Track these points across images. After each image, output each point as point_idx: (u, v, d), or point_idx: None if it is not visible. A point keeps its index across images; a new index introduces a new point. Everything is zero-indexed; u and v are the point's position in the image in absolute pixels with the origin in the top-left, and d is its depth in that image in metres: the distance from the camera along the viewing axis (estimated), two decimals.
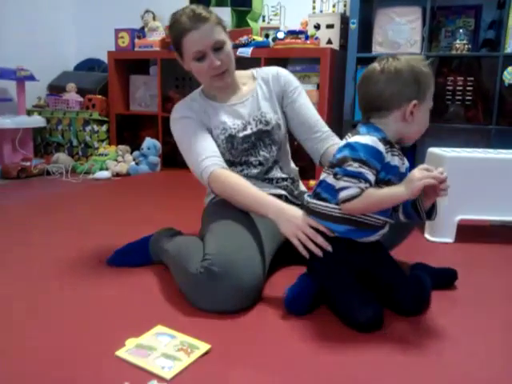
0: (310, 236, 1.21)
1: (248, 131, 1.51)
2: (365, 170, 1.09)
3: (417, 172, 1.10)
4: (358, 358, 1.01)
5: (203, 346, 1.03)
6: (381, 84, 1.15)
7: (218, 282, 1.17)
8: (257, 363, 0.99)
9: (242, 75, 1.59)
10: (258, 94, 1.55)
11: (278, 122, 1.53)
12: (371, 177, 1.10)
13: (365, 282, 1.20)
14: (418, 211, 1.19)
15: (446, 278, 1.38)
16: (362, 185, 1.10)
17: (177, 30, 1.42)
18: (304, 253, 1.22)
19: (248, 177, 1.50)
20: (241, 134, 1.50)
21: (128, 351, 1.01)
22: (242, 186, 1.37)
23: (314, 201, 1.22)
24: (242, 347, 1.05)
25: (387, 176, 1.15)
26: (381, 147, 1.11)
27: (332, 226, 1.19)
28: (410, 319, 1.18)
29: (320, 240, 1.20)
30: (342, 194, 1.12)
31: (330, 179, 1.17)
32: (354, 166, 1.10)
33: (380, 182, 1.14)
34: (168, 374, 0.93)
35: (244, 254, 1.24)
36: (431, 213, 1.21)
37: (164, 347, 1.03)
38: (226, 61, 1.43)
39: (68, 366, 0.97)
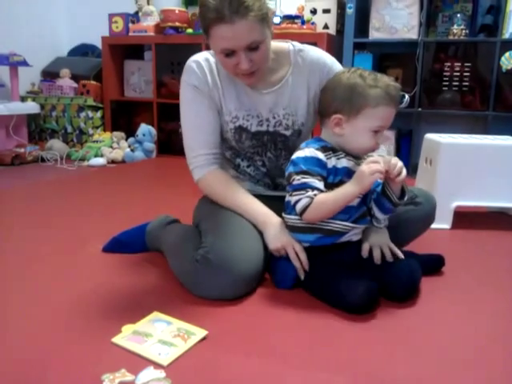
0: (290, 257, 1.23)
1: (263, 128, 1.35)
2: (308, 180, 1.15)
3: (365, 167, 1.12)
4: (357, 346, 1.01)
5: (200, 332, 1.03)
6: (324, 90, 1.25)
7: (214, 269, 1.16)
8: (253, 349, 0.99)
9: (277, 55, 1.34)
10: (289, 84, 1.34)
11: (300, 128, 1.36)
12: (317, 184, 1.15)
13: (357, 270, 1.21)
14: (389, 197, 1.20)
15: (433, 265, 1.40)
16: (310, 193, 1.15)
17: (204, 16, 1.14)
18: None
19: (258, 183, 1.46)
20: (253, 129, 1.35)
21: (124, 338, 1.01)
22: (228, 197, 1.33)
23: (286, 215, 1.26)
24: (239, 333, 1.05)
25: (336, 178, 1.19)
26: (320, 155, 1.17)
27: (302, 236, 1.23)
28: (401, 304, 1.18)
29: (297, 265, 1.23)
30: (297, 208, 1.17)
31: (288, 197, 1.24)
32: (297, 179, 1.16)
33: (332, 186, 1.18)
34: (164, 361, 0.93)
35: (242, 242, 1.23)
36: (403, 195, 1.22)
37: (160, 333, 1.03)
38: (258, 62, 1.21)
39: (64, 353, 0.96)
